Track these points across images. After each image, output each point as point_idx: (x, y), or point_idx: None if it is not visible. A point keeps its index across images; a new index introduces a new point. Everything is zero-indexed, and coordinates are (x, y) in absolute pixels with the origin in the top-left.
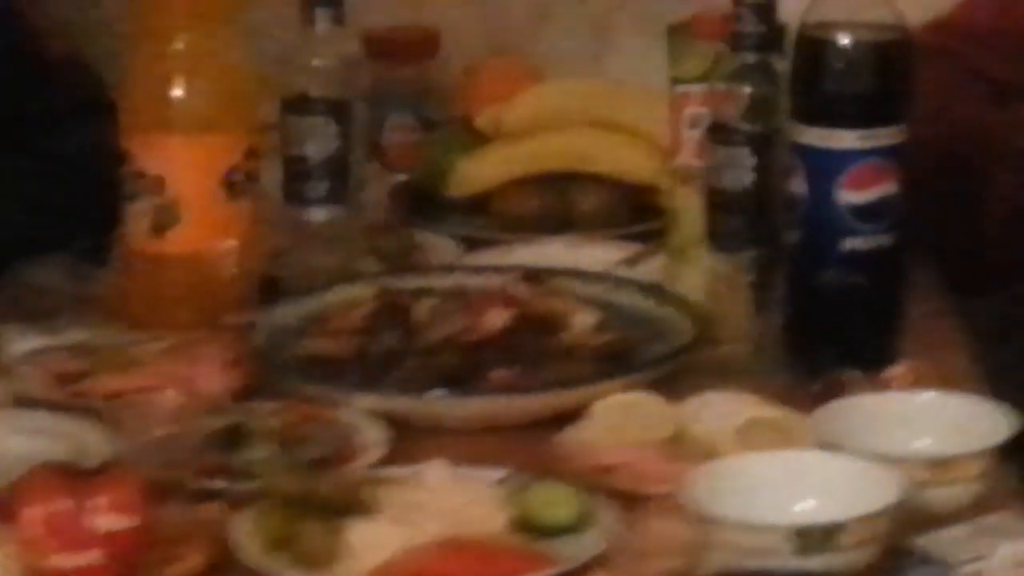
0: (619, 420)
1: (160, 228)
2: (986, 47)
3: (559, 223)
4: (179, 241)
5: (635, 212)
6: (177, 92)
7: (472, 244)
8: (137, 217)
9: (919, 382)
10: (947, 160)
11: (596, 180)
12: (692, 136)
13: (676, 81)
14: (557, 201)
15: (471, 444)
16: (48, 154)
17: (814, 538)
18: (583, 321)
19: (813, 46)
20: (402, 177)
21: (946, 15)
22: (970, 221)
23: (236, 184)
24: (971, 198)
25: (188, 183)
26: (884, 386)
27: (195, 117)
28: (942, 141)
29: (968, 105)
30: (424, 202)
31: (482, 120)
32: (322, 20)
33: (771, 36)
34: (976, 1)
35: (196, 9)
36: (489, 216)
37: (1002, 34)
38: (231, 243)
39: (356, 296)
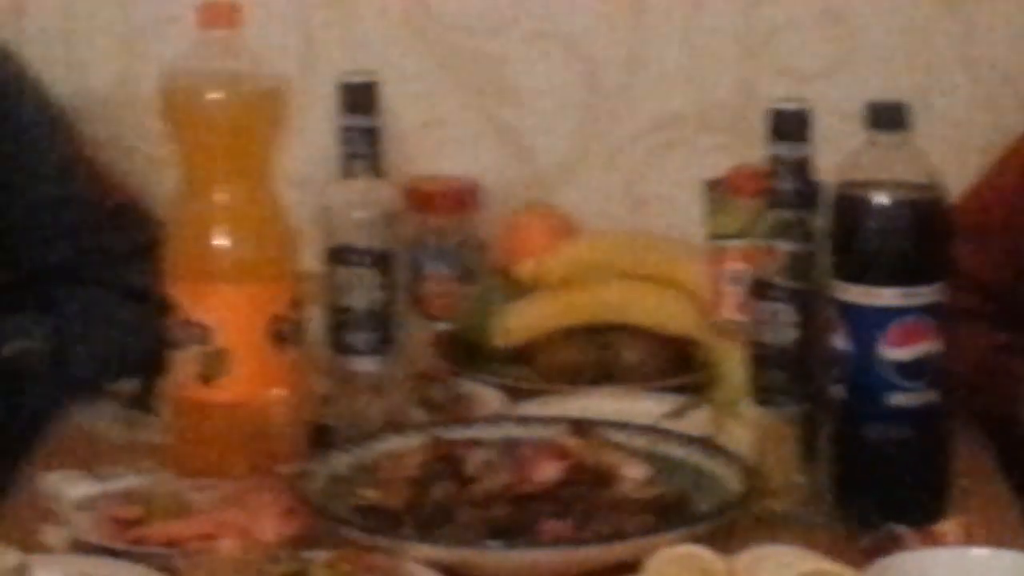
0: (674, 573)
1: (208, 377)
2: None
3: (601, 374)
4: (228, 390)
5: (677, 364)
6: (221, 241)
7: (515, 394)
8: (185, 365)
9: (970, 538)
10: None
11: (637, 332)
12: (733, 291)
13: (714, 236)
14: (599, 352)
15: None
16: (111, 294)
17: None
18: (634, 474)
19: (852, 204)
20: (443, 326)
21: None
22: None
23: (282, 333)
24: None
25: (235, 332)
26: (936, 541)
27: (239, 266)
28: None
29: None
30: (467, 352)
31: (522, 271)
32: (361, 172)
33: (808, 193)
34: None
35: (239, 161)
36: (532, 367)
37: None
38: (280, 392)
39: (406, 446)
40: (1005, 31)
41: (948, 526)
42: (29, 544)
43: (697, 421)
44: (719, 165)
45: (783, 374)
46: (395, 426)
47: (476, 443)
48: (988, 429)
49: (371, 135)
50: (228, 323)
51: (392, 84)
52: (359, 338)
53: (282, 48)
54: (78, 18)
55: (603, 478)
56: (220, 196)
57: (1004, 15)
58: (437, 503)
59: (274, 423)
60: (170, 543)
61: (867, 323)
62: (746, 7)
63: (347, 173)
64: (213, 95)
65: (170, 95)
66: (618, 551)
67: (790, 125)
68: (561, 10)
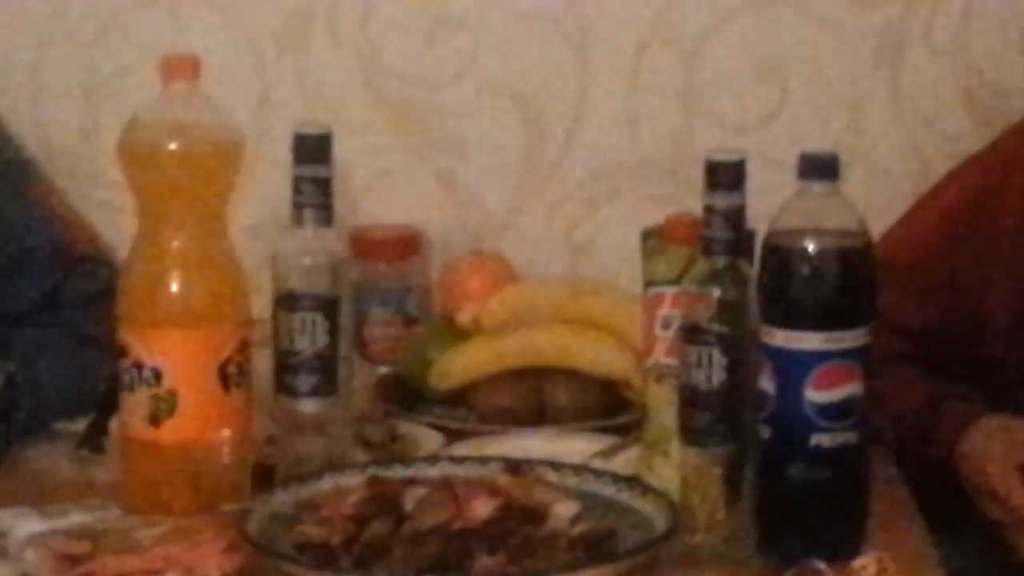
0: None
1: (157, 418)
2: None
3: (535, 415)
4: (176, 431)
5: (608, 406)
6: (173, 287)
7: (453, 435)
8: (134, 407)
9: (885, 573)
10: None
11: (571, 375)
12: (665, 336)
13: (649, 283)
14: (533, 395)
15: None
16: (65, 338)
17: None
18: (564, 511)
19: (780, 252)
20: (384, 369)
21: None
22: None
23: (230, 376)
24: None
25: (184, 375)
26: (852, 571)
27: (190, 311)
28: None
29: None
30: (407, 394)
31: (462, 316)
32: (310, 221)
33: (740, 242)
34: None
35: (194, 209)
36: (469, 408)
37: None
38: (226, 432)
39: (346, 484)
40: (930, 83)
41: (864, 561)
42: None
43: (626, 460)
44: (656, 214)
45: (710, 415)
46: (335, 465)
47: (413, 481)
48: (913, 468)
49: (322, 185)
50: (178, 366)
51: (344, 135)
52: (304, 380)
53: (239, 99)
54: (42, 72)
55: (534, 515)
56: (174, 243)
57: (928, 69)
58: (374, 540)
59: (219, 463)
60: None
61: (793, 366)
62: (684, 62)
63: (297, 221)
64: (171, 146)
65: (129, 146)
66: None
67: (725, 175)
68: (507, 65)
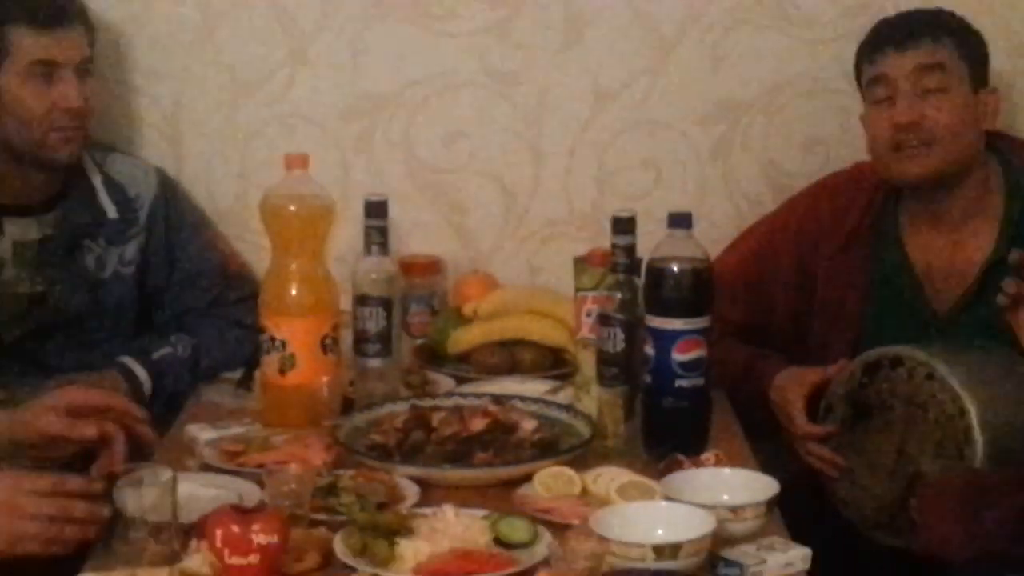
0: (551, 483)
1: (283, 371)
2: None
3: (510, 369)
4: (294, 378)
5: (554, 363)
6: (292, 292)
7: (461, 381)
8: (269, 363)
9: (720, 463)
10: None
11: (531, 344)
12: (588, 321)
13: (579, 289)
14: (509, 356)
15: (466, 495)
16: (231, 322)
17: (666, 551)
18: (527, 426)
19: (656, 271)
20: (420, 341)
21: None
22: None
23: (327, 345)
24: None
25: (299, 344)
26: (700, 464)
27: (303, 306)
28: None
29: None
30: (433, 356)
31: (466, 309)
32: (375, 252)
33: (633, 265)
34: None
35: (305, 246)
36: (470, 365)
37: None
38: (324, 379)
39: (396, 410)
40: (754, 173)
41: (708, 455)
42: (176, 467)
43: (565, 396)
44: (583, 248)
45: (615, 369)
46: (390, 399)
47: (437, 408)
48: (739, 401)
49: (382, 231)
50: (295, 339)
51: (394, 201)
52: (371, 348)
53: (331, 179)
54: (213, 157)
55: (510, 428)
56: (292, 266)
57: (754, 163)
58: (414, 443)
59: (321, 397)
60: (259, 466)
61: (665, 339)
62: (599, 155)
63: (367, 252)
64: (291, 208)
65: (267, 208)
66: (518, 470)
67: (624, 226)
68: (492, 159)
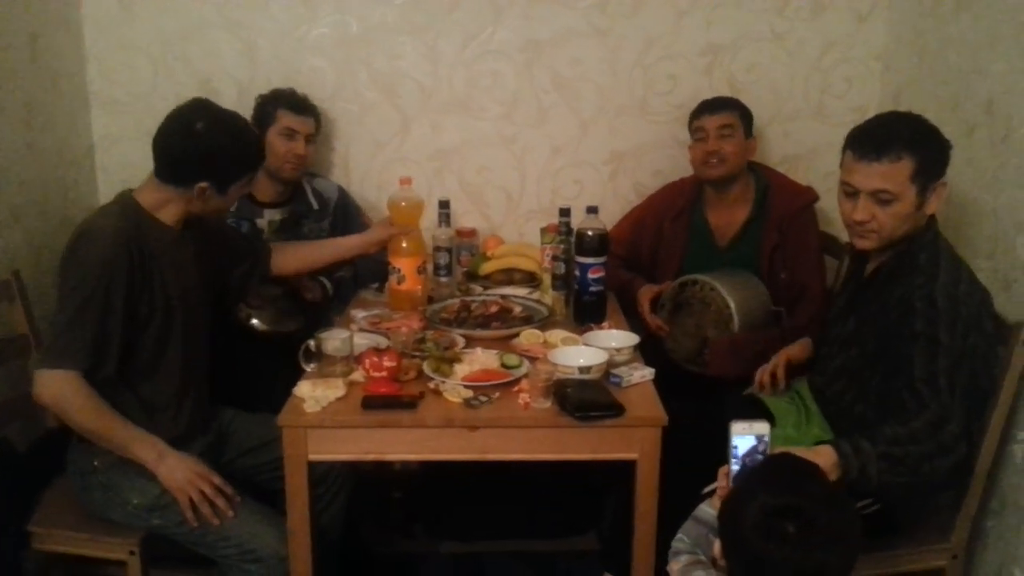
0: (528, 338)
1: (399, 283)
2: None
3: (509, 282)
4: (404, 287)
5: (531, 279)
6: (404, 244)
7: (485, 288)
8: (392, 279)
9: (611, 328)
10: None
11: (520, 270)
12: (548, 259)
13: (543, 243)
14: (508, 276)
15: (487, 343)
16: (374, 263)
17: (585, 368)
18: (517, 309)
19: (580, 234)
20: (465, 269)
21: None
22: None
23: (421, 270)
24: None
25: (407, 270)
26: (601, 328)
27: (409, 251)
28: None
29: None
30: (471, 276)
31: (487, 253)
32: (443, 224)
33: (569, 231)
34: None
35: (408, 223)
36: (489, 280)
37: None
38: (419, 288)
39: (452, 303)
40: (628, 186)
41: (605, 324)
42: (349, 328)
43: (536, 295)
44: (545, 222)
45: (560, 282)
46: (450, 297)
47: (473, 301)
48: (621, 299)
49: (447, 215)
50: (405, 267)
51: (452, 200)
52: (441, 272)
53: (423, 189)
54: (364, 179)
55: (508, 310)
56: (403, 233)
57: (628, 182)
58: (463, 318)
59: (417, 296)
60: (388, 328)
61: (584, 268)
62: (552, 178)
63: (439, 225)
64: (403, 204)
65: (391, 204)
66: (512, 331)
67: (566, 213)
68: (501, 179)
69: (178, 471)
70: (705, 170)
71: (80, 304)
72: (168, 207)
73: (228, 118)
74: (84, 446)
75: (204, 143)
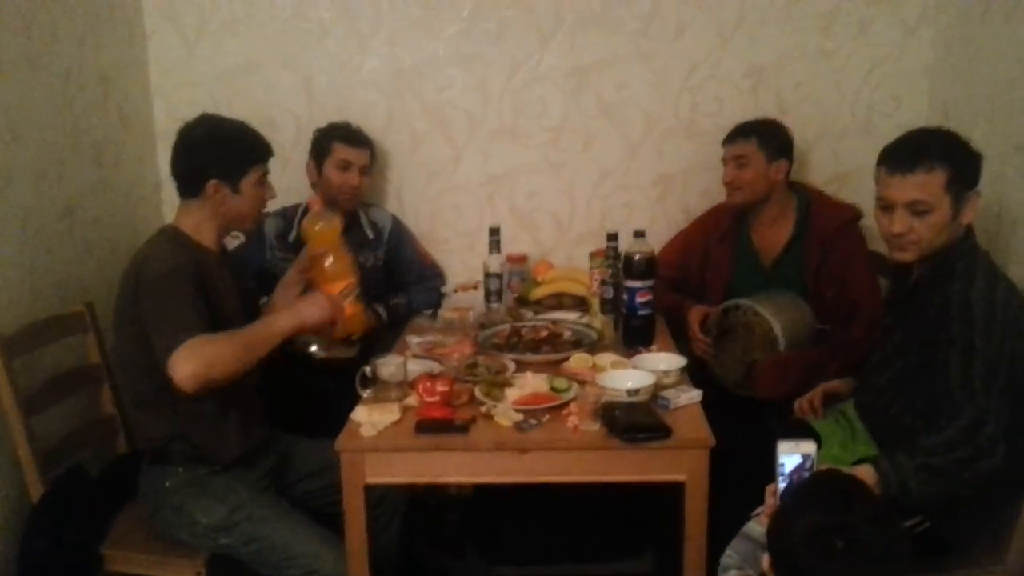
0: (578, 361)
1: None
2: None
3: (559, 307)
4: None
5: (580, 304)
6: (327, 265)
7: (537, 313)
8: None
9: (659, 351)
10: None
11: (569, 295)
12: (596, 283)
13: (591, 268)
14: (558, 301)
15: (537, 368)
16: (429, 289)
17: (633, 391)
18: (567, 333)
19: (628, 259)
20: (516, 295)
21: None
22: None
23: (347, 294)
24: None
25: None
26: (649, 351)
27: (333, 274)
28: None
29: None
30: (522, 302)
31: (537, 279)
32: (494, 250)
33: (617, 256)
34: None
35: (332, 242)
36: (540, 305)
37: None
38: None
39: (503, 328)
40: (677, 209)
41: (653, 347)
42: (403, 354)
43: (584, 321)
44: (593, 247)
45: (609, 306)
46: (502, 323)
47: (523, 327)
48: (670, 323)
49: (498, 242)
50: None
51: (503, 226)
52: (492, 298)
53: (474, 216)
54: (418, 209)
55: (559, 336)
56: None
57: (677, 205)
58: (512, 343)
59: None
60: (441, 354)
61: (632, 291)
62: (602, 203)
63: (491, 252)
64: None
65: (306, 228)
66: (562, 355)
67: (613, 238)
68: (551, 204)
69: (315, 313)
70: (728, 197)
71: (174, 297)
72: (202, 228)
73: (227, 120)
74: (156, 468)
75: (204, 142)
